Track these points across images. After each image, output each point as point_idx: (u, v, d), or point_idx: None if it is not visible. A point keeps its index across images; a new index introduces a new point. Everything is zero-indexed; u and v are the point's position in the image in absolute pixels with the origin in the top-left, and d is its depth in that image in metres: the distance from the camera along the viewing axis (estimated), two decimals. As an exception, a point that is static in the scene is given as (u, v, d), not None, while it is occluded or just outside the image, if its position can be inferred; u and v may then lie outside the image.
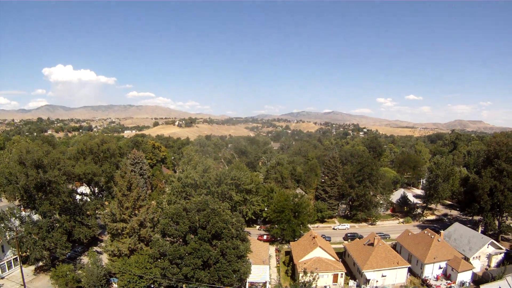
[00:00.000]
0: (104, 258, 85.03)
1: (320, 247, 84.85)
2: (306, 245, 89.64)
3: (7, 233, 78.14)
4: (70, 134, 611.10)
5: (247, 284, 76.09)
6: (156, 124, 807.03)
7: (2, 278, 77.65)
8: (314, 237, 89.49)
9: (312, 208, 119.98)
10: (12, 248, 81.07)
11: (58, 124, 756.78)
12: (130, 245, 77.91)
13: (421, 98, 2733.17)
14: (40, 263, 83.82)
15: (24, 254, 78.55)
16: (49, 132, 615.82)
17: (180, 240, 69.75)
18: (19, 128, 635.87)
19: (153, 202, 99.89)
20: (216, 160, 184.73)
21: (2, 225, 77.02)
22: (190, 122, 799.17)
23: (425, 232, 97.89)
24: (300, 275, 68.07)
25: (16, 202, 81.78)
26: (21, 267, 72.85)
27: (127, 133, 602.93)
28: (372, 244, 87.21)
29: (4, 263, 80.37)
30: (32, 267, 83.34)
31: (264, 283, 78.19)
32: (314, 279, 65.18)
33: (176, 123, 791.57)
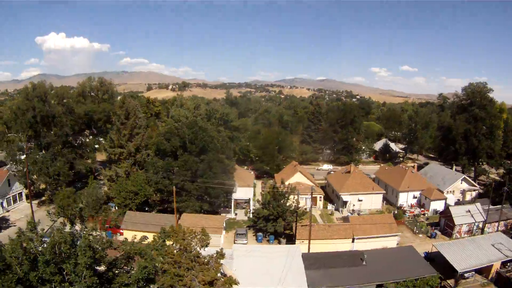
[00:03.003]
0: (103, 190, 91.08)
1: (300, 172, 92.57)
2: (288, 172, 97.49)
3: (14, 166, 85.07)
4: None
5: (232, 201, 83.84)
6: (149, 88, 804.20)
7: (8, 211, 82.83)
8: (295, 165, 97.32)
9: (296, 146, 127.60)
10: (18, 182, 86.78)
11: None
12: (127, 168, 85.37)
13: (416, 70, 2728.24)
14: (43, 197, 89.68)
15: (28, 190, 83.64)
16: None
17: (171, 157, 77.07)
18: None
19: (149, 128, 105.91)
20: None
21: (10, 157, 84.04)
22: (183, 86, 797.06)
23: (400, 166, 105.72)
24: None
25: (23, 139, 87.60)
26: (30, 191, 78.99)
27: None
28: (349, 172, 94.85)
29: (10, 196, 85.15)
30: (36, 201, 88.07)
31: (248, 200, 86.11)
32: (292, 190, 72.57)
33: (170, 87, 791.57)
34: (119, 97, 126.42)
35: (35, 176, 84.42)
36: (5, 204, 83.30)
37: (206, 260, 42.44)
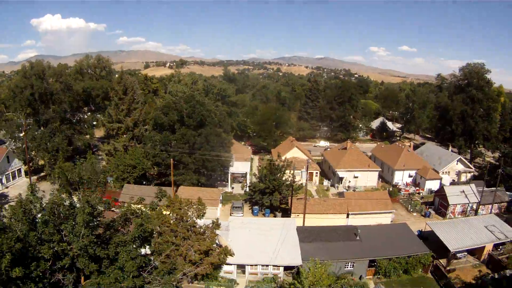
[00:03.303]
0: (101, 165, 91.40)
1: (296, 147, 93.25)
2: (284, 147, 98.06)
3: (13, 143, 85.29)
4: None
5: (229, 175, 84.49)
6: (147, 66, 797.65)
7: (7, 187, 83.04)
8: (292, 141, 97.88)
9: (294, 122, 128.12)
10: (17, 159, 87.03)
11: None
12: (125, 142, 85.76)
13: (415, 50, 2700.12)
14: (42, 173, 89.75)
15: (27, 166, 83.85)
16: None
17: (169, 131, 77.42)
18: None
19: (146, 104, 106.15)
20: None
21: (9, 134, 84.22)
22: (181, 64, 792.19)
23: (396, 144, 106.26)
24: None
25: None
26: (29, 167, 79.58)
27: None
28: (345, 149, 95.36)
29: (9, 173, 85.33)
30: (35, 177, 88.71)
31: (245, 174, 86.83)
32: (288, 164, 73.17)
33: (167, 65, 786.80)
34: (116, 75, 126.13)
35: (34, 152, 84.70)
36: (4, 180, 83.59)
37: (202, 230, 43.19)
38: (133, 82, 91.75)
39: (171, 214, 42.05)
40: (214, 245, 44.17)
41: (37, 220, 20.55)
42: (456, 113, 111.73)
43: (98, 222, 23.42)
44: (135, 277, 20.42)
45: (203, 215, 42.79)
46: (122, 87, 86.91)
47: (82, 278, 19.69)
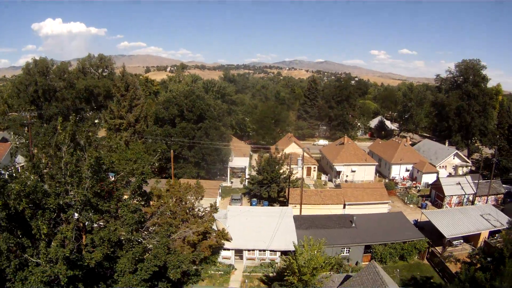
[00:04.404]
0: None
1: (294, 142, 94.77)
2: (283, 143, 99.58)
3: (17, 138, 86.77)
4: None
5: (228, 169, 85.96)
6: (147, 71, 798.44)
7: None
8: (290, 137, 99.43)
9: (292, 121, 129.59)
10: (20, 155, 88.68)
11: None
12: (126, 138, 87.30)
13: (415, 53, 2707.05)
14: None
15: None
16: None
17: (170, 125, 79.03)
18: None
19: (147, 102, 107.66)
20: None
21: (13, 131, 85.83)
22: (182, 68, 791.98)
23: (393, 139, 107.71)
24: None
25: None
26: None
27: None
28: (343, 143, 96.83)
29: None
30: None
31: (244, 168, 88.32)
32: (286, 157, 74.67)
33: (168, 69, 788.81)
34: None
35: (37, 148, 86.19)
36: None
37: (200, 214, 44.62)
38: (134, 79, 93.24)
39: (171, 198, 43.40)
40: (212, 227, 45.56)
41: (43, 175, 21.95)
42: (452, 108, 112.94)
43: (102, 177, 24.66)
44: (134, 231, 21.79)
45: (201, 198, 44.23)
46: (124, 84, 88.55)
47: (84, 237, 20.97)
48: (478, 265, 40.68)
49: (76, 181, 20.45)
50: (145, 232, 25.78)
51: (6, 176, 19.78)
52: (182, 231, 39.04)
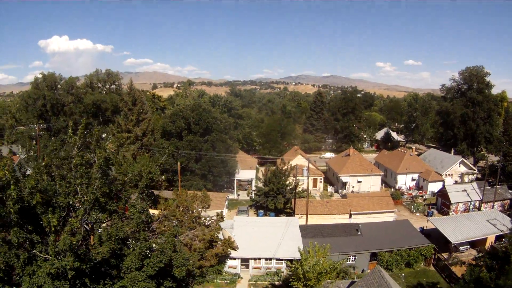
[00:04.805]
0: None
1: (301, 155, 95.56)
2: (289, 155, 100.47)
3: (24, 151, 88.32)
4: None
5: (235, 182, 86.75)
6: (154, 87, 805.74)
7: None
8: (296, 149, 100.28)
9: (299, 134, 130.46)
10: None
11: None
12: (134, 152, 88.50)
13: (420, 64, 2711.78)
14: None
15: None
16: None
17: (176, 138, 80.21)
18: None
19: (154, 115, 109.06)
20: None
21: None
22: (188, 84, 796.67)
23: (399, 149, 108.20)
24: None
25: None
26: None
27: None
28: (348, 155, 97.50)
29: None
30: None
31: (250, 181, 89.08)
32: (292, 168, 75.47)
33: (175, 86, 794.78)
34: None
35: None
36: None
37: (207, 223, 45.39)
38: (141, 94, 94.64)
39: (178, 207, 44.24)
40: (219, 236, 46.26)
41: (54, 175, 22.94)
42: (457, 116, 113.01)
43: (111, 179, 25.55)
44: (141, 230, 22.63)
45: (208, 207, 45.05)
46: (131, 98, 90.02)
47: (92, 237, 21.76)
48: (484, 268, 40.86)
49: (85, 182, 21.38)
50: (151, 234, 26.61)
51: (19, 174, 20.68)
52: (188, 233, 39.76)
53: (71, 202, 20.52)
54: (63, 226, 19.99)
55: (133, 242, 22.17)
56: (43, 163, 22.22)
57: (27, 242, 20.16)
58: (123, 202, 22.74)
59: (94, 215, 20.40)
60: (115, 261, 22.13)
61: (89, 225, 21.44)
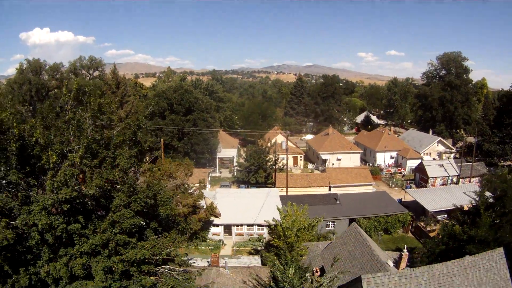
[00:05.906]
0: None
1: (280, 133, 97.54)
2: (270, 135, 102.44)
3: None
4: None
5: (217, 159, 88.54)
6: (136, 77, 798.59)
7: None
8: (276, 129, 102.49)
9: (279, 117, 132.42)
10: None
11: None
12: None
13: (403, 54, 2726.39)
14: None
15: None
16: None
17: (159, 117, 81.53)
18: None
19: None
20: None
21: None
22: (170, 72, 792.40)
23: (377, 129, 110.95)
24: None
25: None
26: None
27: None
28: (328, 134, 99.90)
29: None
30: None
31: (232, 158, 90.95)
32: (272, 145, 77.44)
33: (157, 75, 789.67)
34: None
35: None
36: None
37: (190, 190, 47.09)
38: (125, 79, 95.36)
39: (162, 175, 45.73)
40: (201, 202, 48.00)
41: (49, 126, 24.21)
42: (435, 99, 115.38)
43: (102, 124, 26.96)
44: (128, 174, 24.19)
45: (191, 174, 46.72)
46: (115, 82, 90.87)
47: (81, 175, 23.07)
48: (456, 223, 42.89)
49: (77, 134, 22.86)
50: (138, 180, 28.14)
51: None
52: (171, 183, 41.31)
53: (65, 150, 21.89)
54: (60, 164, 21.36)
55: (121, 185, 23.66)
56: (40, 116, 23.43)
57: (24, 184, 21.53)
58: (112, 149, 24.07)
59: (85, 162, 21.76)
60: (105, 201, 23.64)
61: (82, 173, 22.82)
